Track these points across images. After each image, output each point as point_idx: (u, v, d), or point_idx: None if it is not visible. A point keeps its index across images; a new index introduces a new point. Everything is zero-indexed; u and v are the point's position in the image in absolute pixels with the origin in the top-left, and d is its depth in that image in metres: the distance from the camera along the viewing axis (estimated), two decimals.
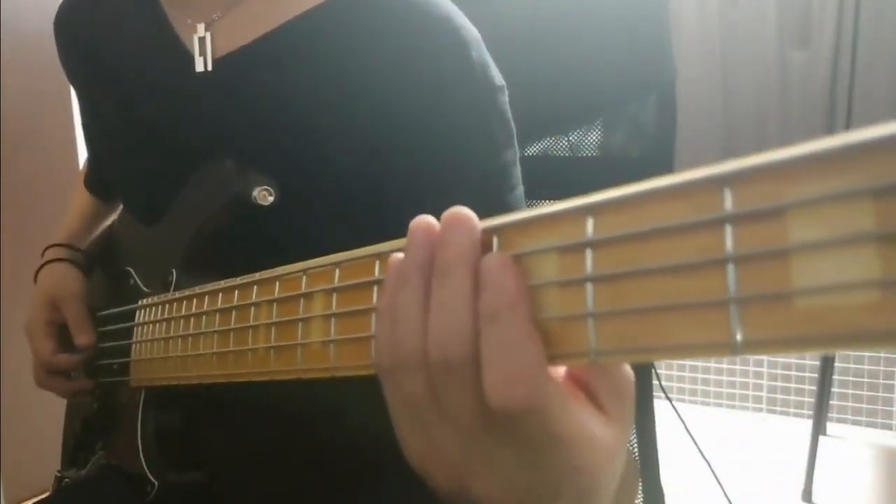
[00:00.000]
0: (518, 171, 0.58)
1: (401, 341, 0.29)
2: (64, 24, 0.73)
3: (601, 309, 0.25)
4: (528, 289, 0.27)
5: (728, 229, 0.21)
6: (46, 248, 0.80)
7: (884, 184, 0.18)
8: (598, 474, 0.28)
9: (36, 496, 0.79)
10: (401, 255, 0.30)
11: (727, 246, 0.21)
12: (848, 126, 2.06)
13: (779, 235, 0.20)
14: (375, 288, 0.34)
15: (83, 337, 0.71)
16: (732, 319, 0.21)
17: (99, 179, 0.84)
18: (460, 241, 0.28)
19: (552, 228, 0.27)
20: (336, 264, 0.36)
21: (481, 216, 0.30)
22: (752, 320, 0.21)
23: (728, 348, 0.21)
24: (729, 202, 0.21)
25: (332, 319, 0.36)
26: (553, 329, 0.27)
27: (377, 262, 0.34)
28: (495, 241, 0.28)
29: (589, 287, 0.25)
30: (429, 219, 0.29)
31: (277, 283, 0.41)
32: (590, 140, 0.83)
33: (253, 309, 0.44)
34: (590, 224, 0.25)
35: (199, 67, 0.60)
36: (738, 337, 0.21)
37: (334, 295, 0.36)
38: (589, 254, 0.25)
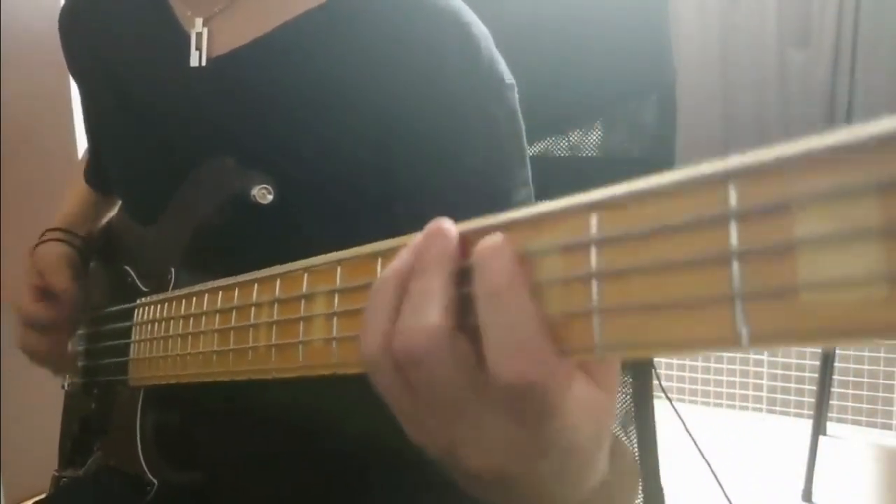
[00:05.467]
0: (527, 171, 0.57)
1: (369, 342, 0.30)
2: (68, 17, 0.73)
3: (606, 304, 0.25)
4: (520, 268, 0.27)
5: (733, 225, 0.21)
6: (44, 232, 0.80)
7: (890, 179, 0.18)
8: (579, 433, 0.29)
9: (36, 496, 0.79)
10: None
11: (732, 242, 0.21)
12: (848, 126, 2.06)
13: (784, 231, 0.20)
14: None
15: (59, 282, 0.71)
16: (737, 314, 0.21)
17: (98, 173, 0.85)
18: (434, 249, 0.29)
19: (557, 225, 0.27)
20: (338, 262, 0.36)
21: (484, 212, 0.30)
22: (758, 315, 0.21)
23: (734, 343, 0.22)
24: (734, 198, 0.21)
25: (335, 318, 0.36)
26: (558, 324, 0.27)
27: (379, 260, 0.34)
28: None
29: (594, 283, 0.25)
30: (440, 224, 0.30)
31: (278, 281, 0.41)
32: (590, 140, 0.82)
33: (254, 309, 0.44)
34: (594, 220, 0.25)
35: (194, 62, 0.60)
36: (744, 331, 0.21)
37: (336, 296, 0.36)
38: (594, 250, 0.25)
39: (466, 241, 0.29)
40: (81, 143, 1.94)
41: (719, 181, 0.22)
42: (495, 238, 0.28)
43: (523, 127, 0.58)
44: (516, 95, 0.57)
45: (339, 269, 0.36)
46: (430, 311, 0.28)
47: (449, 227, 0.30)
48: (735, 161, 0.21)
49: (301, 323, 0.39)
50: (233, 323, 0.46)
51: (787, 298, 0.20)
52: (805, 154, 0.20)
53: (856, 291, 0.19)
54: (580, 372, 0.29)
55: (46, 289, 0.73)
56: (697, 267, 0.22)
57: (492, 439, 0.29)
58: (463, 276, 0.29)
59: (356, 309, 0.35)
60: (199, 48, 0.61)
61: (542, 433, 0.28)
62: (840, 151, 0.19)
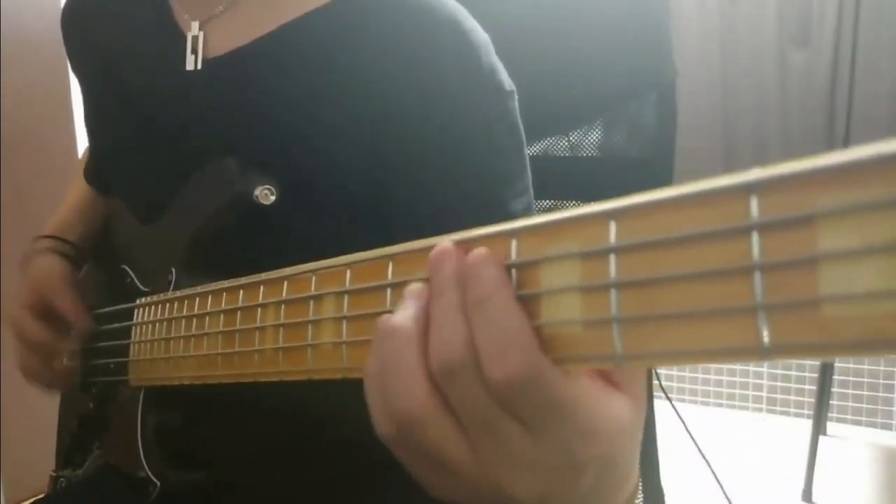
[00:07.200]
0: (527, 179, 0.57)
1: (399, 394, 0.30)
2: (69, 15, 0.74)
3: (626, 314, 0.25)
4: (506, 276, 0.28)
5: (755, 237, 0.21)
6: (35, 239, 0.79)
7: None
8: (614, 443, 0.29)
9: (36, 496, 0.79)
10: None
11: (754, 254, 0.21)
12: (847, 126, 2.06)
13: (808, 243, 0.20)
14: (389, 291, 0.33)
15: (81, 322, 0.70)
16: (760, 325, 0.21)
17: (98, 173, 0.84)
18: (447, 269, 0.30)
19: (574, 233, 0.26)
20: (348, 265, 0.36)
21: (483, 222, 0.30)
22: (780, 326, 0.21)
23: (757, 353, 0.21)
24: (755, 210, 0.21)
25: (344, 322, 0.36)
26: (576, 333, 0.26)
27: (390, 264, 0.33)
28: (514, 244, 0.28)
29: (613, 293, 0.25)
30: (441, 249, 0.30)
31: (285, 284, 0.41)
32: (590, 140, 0.82)
33: (259, 310, 0.43)
34: (613, 229, 0.25)
35: (189, 66, 0.61)
36: (766, 341, 0.21)
37: (346, 297, 0.36)
38: (612, 259, 0.25)
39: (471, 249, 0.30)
40: (81, 143, 1.94)
41: (741, 192, 0.22)
42: (480, 250, 0.29)
43: (524, 134, 0.57)
44: (516, 103, 0.57)
45: (348, 273, 0.36)
46: (455, 322, 0.29)
47: (451, 249, 0.30)
48: (757, 172, 0.21)
49: (310, 326, 0.38)
50: (238, 325, 0.45)
51: (809, 311, 0.20)
52: (828, 167, 0.20)
53: (878, 306, 0.19)
54: (591, 375, 0.29)
55: (47, 311, 0.72)
56: (719, 277, 0.22)
57: (527, 459, 0.29)
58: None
59: (366, 313, 0.35)
60: (194, 51, 0.61)
61: (562, 434, 0.28)
62: (864, 165, 0.19)
